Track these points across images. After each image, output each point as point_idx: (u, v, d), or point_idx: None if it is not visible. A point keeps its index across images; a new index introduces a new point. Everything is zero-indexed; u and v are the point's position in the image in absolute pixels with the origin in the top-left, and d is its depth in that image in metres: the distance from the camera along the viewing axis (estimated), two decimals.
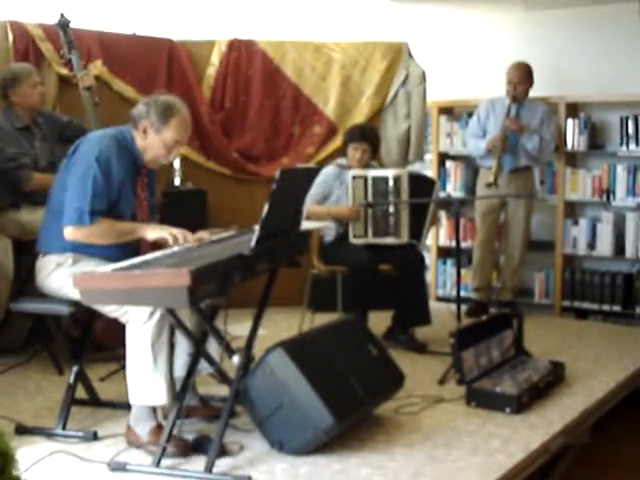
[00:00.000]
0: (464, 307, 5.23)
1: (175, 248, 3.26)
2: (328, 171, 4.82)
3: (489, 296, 5.82)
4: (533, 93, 5.64)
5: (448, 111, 6.37)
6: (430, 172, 6.24)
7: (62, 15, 4.60)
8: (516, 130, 5.49)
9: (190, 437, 3.27)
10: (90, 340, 3.77)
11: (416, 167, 6.11)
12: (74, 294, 3.06)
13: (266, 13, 6.57)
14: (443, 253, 6.41)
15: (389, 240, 4.77)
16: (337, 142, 5.58)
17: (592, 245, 5.79)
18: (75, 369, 3.50)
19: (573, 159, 5.93)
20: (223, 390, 3.54)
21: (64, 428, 3.39)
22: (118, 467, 3.07)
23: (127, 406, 3.27)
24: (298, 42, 5.88)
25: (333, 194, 4.83)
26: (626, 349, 4.86)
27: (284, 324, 4.95)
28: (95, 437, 3.35)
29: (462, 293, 4.72)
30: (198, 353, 3.23)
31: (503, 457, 3.20)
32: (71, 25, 4.62)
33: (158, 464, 3.05)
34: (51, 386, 4.03)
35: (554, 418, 3.63)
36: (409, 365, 4.17)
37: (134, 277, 2.81)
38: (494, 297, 5.84)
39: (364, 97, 5.88)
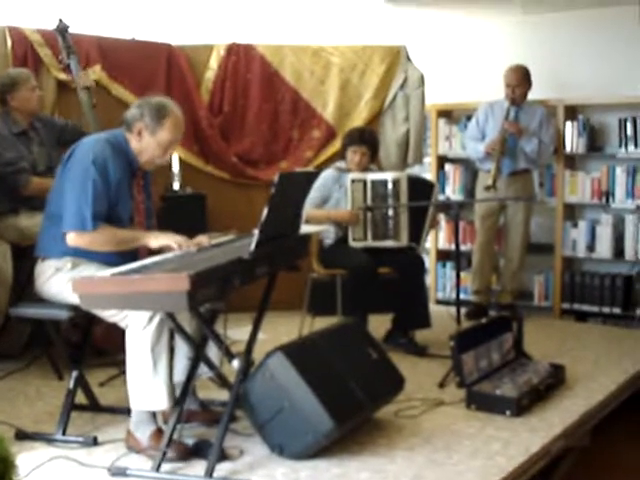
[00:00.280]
0: (464, 310, 5.23)
1: (175, 252, 3.26)
2: (327, 175, 4.82)
3: (489, 299, 5.82)
4: (532, 96, 5.65)
5: (447, 114, 6.38)
6: (429, 175, 6.25)
7: (61, 20, 4.60)
8: (515, 133, 5.49)
9: (190, 441, 3.27)
10: (90, 345, 3.77)
11: (415, 170, 6.12)
12: (73, 299, 3.05)
13: (264, 17, 6.57)
14: (443, 256, 6.41)
15: (388, 243, 4.76)
16: (336, 146, 5.58)
17: (591, 247, 5.79)
18: (75, 374, 3.50)
19: (572, 161, 5.93)
20: (223, 394, 3.54)
21: (64, 433, 3.39)
22: (118, 472, 3.06)
23: (127, 411, 3.27)
24: (296, 46, 5.89)
25: (332, 197, 4.83)
26: (626, 351, 4.86)
27: (284, 328, 4.94)
28: (95, 442, 3.35)
29: (462, 296, 4.71)
30: (198, 357, 3.23)
31: (503, 460, 3.20)
32: (70, 30, 4.62)
33: (158, 469, 3.05)
34: (51, 391, 4.03)
35: (554, 421, 3.63)
36: (409, 368, 4.17)
37: (133, 282, 2.81)
38: (494, 300, 5.84)
39: (363, 101, 5.89)
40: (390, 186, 4.70)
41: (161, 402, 3.13)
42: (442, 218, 6.23)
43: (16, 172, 4.21)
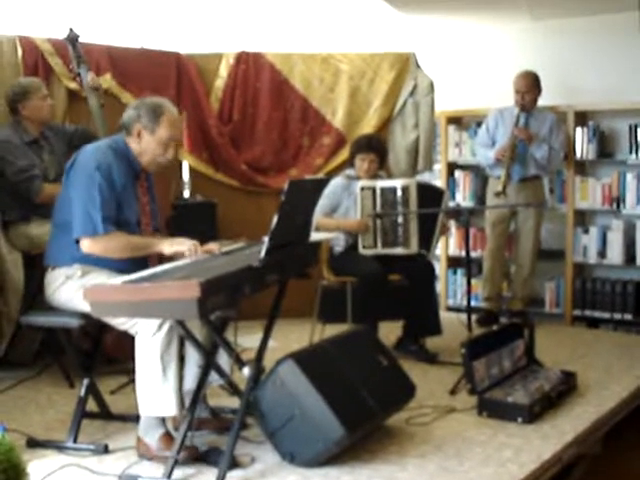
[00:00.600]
0: (474, 317, 5.22)
1: (185, 260, 3.27)
2: (336, 182, 4.82)
3: (500, 306, 5.80)
4: (541, 102, 5.64)
5: (457, 121, 6.37)
6: (439, 182, 6.24)
7: (71, 30, 4.63)
8: (525, 139, 5.48)
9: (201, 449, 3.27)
10: (100, 353, 3.78)
11: (425, 177, 6.11)
12: (84, 306, 3.06)
13: (273, 26, 6.60)
14: (453, 263, 6.39)
15: (398, 250, 4.76)
16: (346, 153, 5.56)
17: (602, 253, 5.77)
18: (86, 382, 3.50)
19: (582, 167, 5.92)
20: (234, 402, 3.54)
21: (75, 441, 3.40)
22: None
23: (138, 419, 3.27)
24: (306, 54, 5.90)
25: (342, 205, 4.83)
26: (638, 358, 4.83)
27: (294, 335, 4.95)
28: (106, 450, 3.35)
29: (472, 303, 4.70)
30: (208, 365, 3.23)
31: (515, 467, 3.19)
32: (80, 39, 4.64)
33: (169, 476, 3.05)
34: (62, 399, 4.04)
35: (566, 428, 3.61)
36: (420, 375, 4.17)
37: (144, 289, 2.81)
38: (505, 307, 5.83)
39: (372, 108, 5.89)
40: (399, 193, 4.70)
41: (170, 408, 3.13)
42: (452, 225, 6.22)
43: (29, 179, 4.23)
